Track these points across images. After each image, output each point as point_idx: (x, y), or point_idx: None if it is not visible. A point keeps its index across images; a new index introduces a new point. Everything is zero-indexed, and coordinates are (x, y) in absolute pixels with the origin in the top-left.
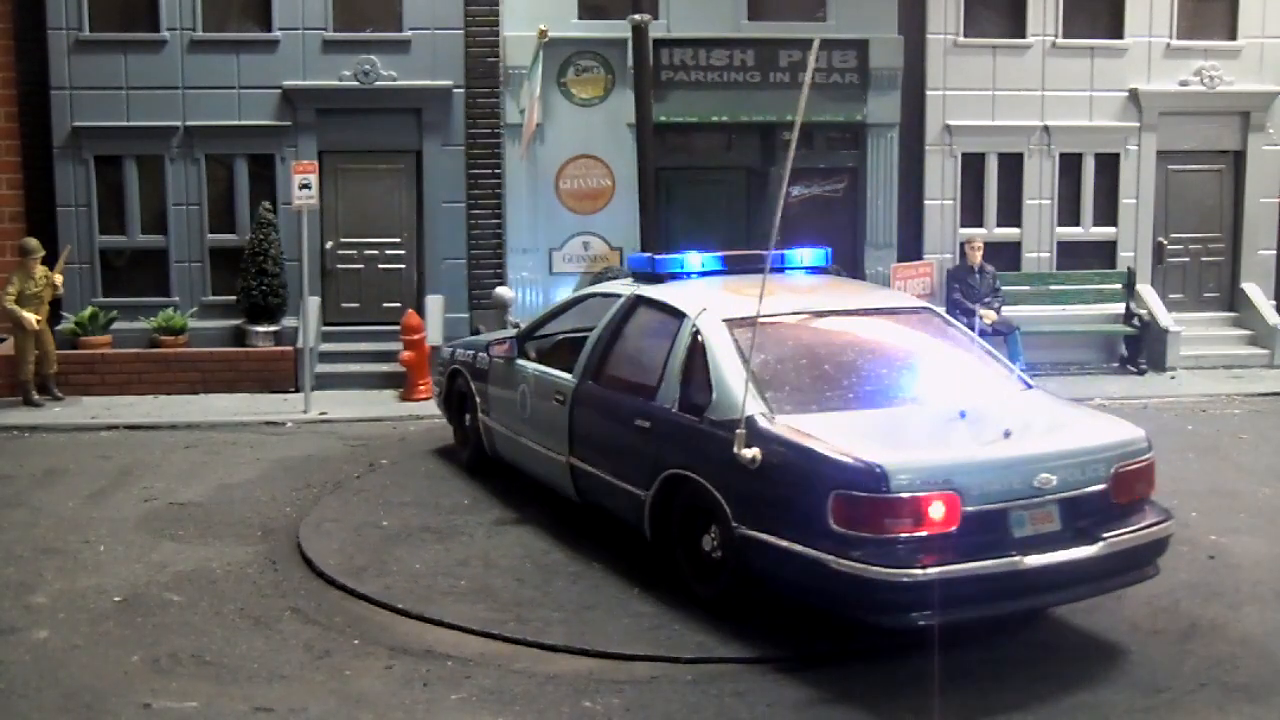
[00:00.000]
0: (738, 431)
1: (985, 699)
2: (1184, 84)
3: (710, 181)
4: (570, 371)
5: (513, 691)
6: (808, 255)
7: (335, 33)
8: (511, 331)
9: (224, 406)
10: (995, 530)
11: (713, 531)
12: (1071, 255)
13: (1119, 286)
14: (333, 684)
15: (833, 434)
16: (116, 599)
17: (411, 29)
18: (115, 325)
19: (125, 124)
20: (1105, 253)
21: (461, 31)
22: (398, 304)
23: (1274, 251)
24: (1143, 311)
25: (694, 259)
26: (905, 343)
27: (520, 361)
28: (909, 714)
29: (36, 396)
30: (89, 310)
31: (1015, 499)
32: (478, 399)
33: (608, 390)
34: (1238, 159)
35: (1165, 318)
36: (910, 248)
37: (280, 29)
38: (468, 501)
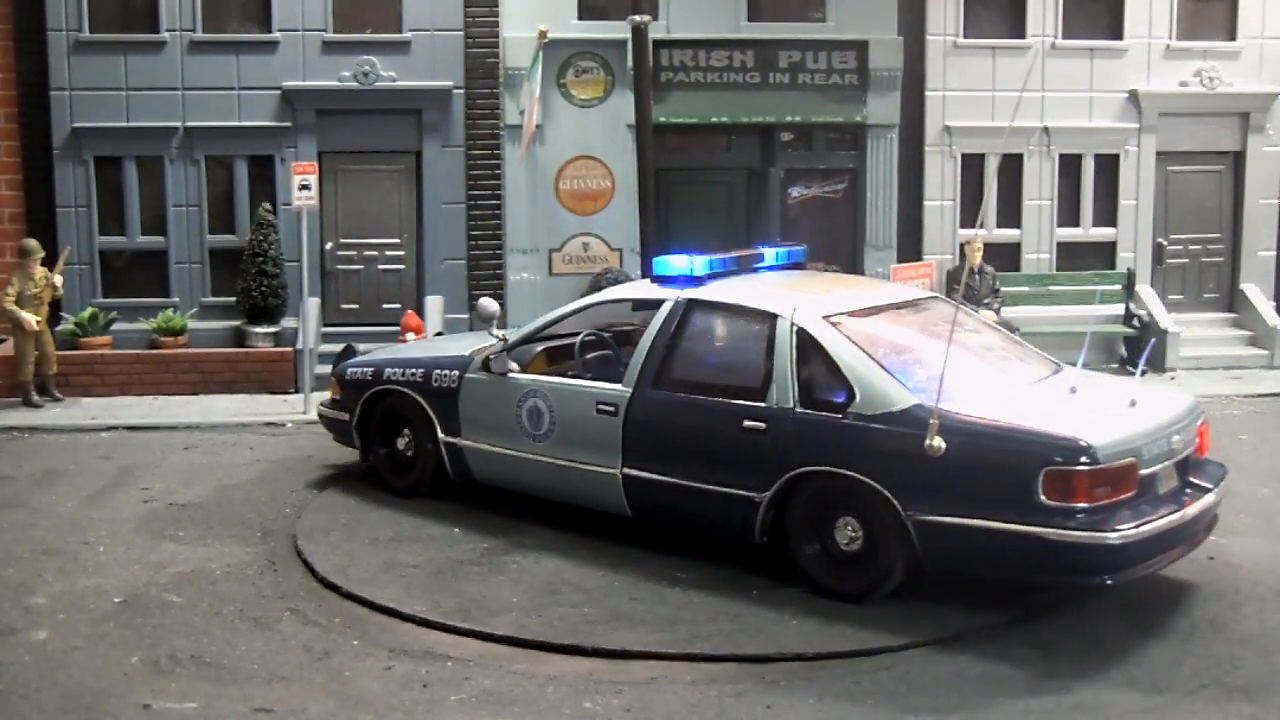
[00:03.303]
0: (931, 422)
1: (987, 699)
2: (1183, 85)
3: (710, 182)
4: (609, 380)
5: (512, 693)
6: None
7: (335, 34)
8: (495, 344)
9: (224, 407)
10: (1151, 490)
11: (844, 525)
12: (1071, 256)
13: (1119, 287)
14: (332, 685)
15: (1018, 416)
16: (116, 600)
17: (411, 30)
18: (115, 326)
19: (125, 125)
20: (1105, 253)
21: (461, 32)
22: (397, 305)
23: (1274, 252)
24: (1142, 312)
25: (715, 260)
26: (959, 330)
27: (517, 375)
28: (910, 714)
29: (36, 397)
30: (89, 311)
31: (1160, 461)
32: (436, 420)
33: (684, 396)
34: (1237, 160)
35: (1165, 318)
36: (910, 248)
37: (280, 30)
38: (457, 530)
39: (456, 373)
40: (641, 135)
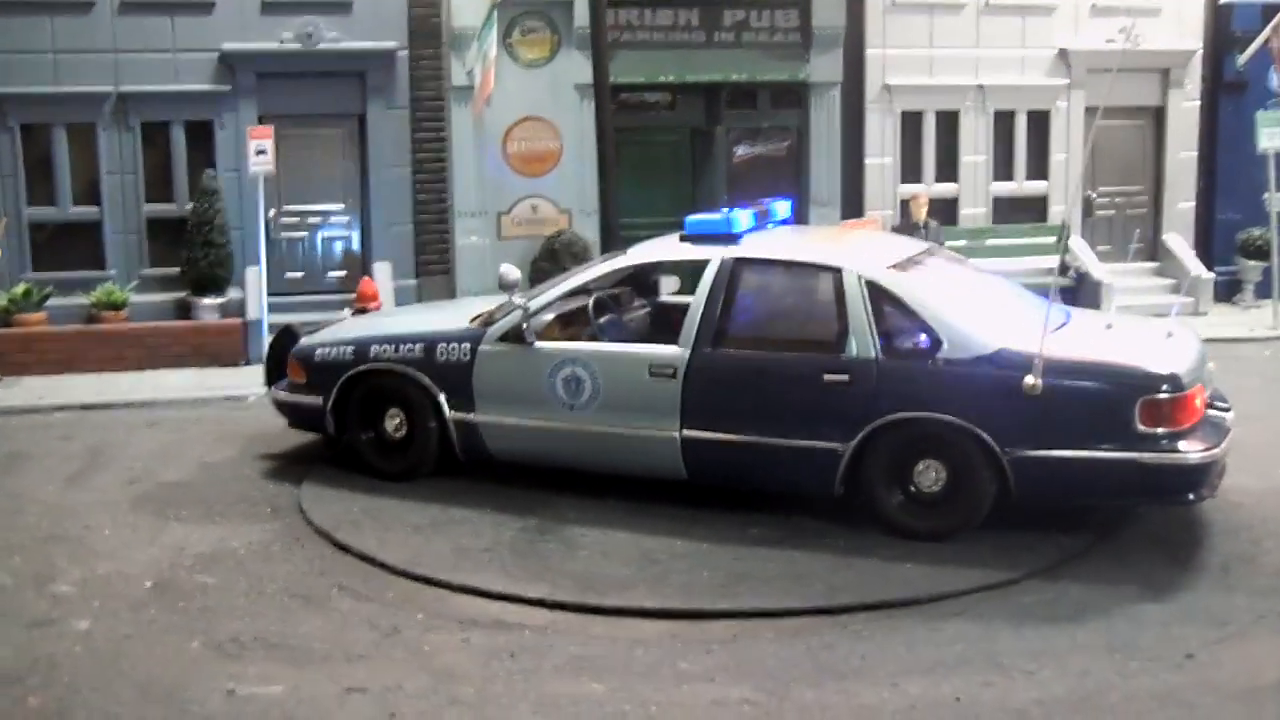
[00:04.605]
0: (1035, 362)
1: (1068, 636)
2: (1109, 42)
3: (655, 142)
4: (657, 342)
5: (604, 658)
6: (783, 208)
7: None
8: (515, 312)
9: (176, 382)
10: (1204, 414)
11: (926, 468)
12: (1006, 210)
13: (1054, 240)
14: (415, 660)
15: (1101, 353)
16: (147, 585)
17: None
18: (49, 302)
19: (53, 90)
20: (1038, 207)
21: None
22: (343, 272)
23: (1192, 204)
24: (1078, 264)
25: (744, 217)
26: (982, 276)
27: (549, 344)
28: (1004, 655)
29: None
30: (22, 287)
31: (1208, 386)
32: (443, 397)
33: (751, 354)
34: (1158, 114)
35: (1098, 269)
36: (852, 205)
37: None
38: (489, 511)
39: (468, 345)
40: (599, 94)
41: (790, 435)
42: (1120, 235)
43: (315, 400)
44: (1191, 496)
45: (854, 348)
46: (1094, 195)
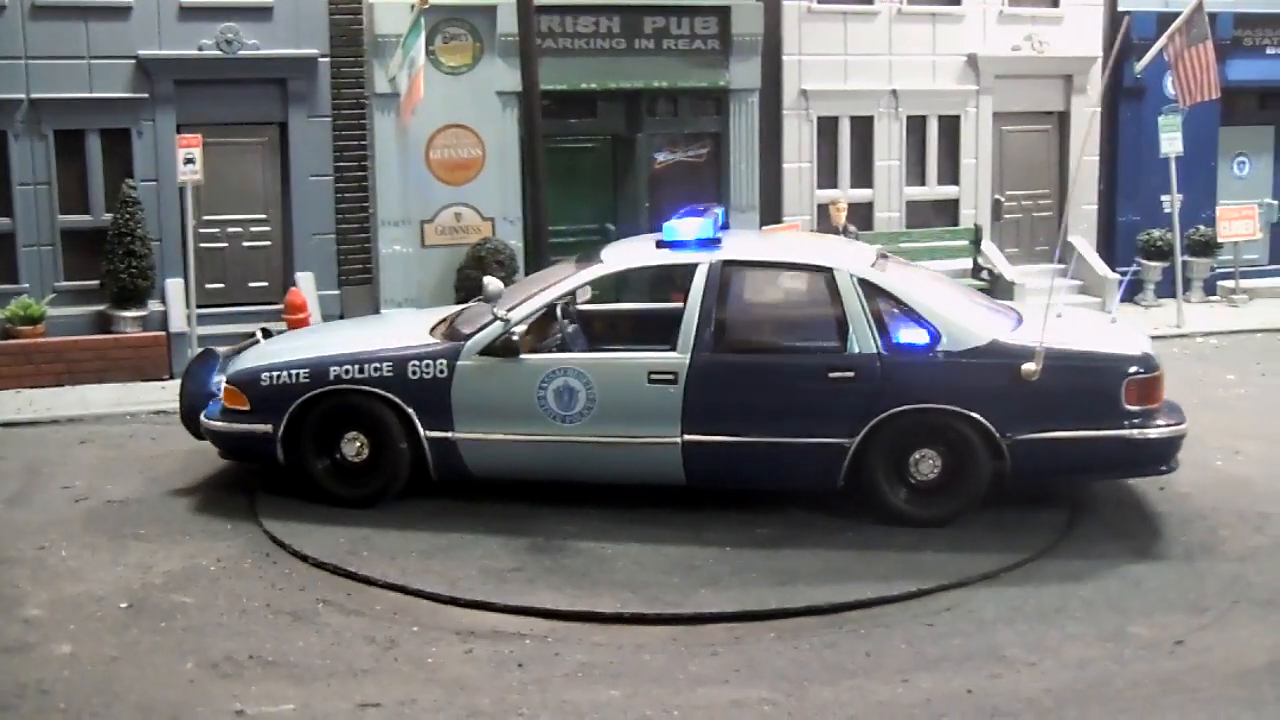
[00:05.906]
0: (1037, 350)
1: (1060, 629)
2: (1016, 49)
3: (576, 149)
4: (651, 348)
5: (612, 664)
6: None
7: None
8: (494, 325)
9: (102, 398)
10: None
11: (924, 457)
12: (918, 214)
13: (966, 243)
14: (422, 673)
15: (1080, 341)
16: (122, 605)
17: None
18: None
19: None
20: (949, 211)
21: None
22: (265, 283)
23: (1095, 206)
24: (990, 266)
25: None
26: (937, 275)
27: (538, 356)
28: (1006, 648)
29: None
30: None
31: None
32: (417, 416)
33: (753, 356)
34: (1062, 119)
35: (1010, 271)
36: (770, 210)
37: None
38: (483, 533)
39: (444, 361)
40: (529, 101)
41: (796, 433)
42: (1028, 237)
43: (262, 428)
44: (1164, 468)
45: (856, 344)
46: (1002, 199)
